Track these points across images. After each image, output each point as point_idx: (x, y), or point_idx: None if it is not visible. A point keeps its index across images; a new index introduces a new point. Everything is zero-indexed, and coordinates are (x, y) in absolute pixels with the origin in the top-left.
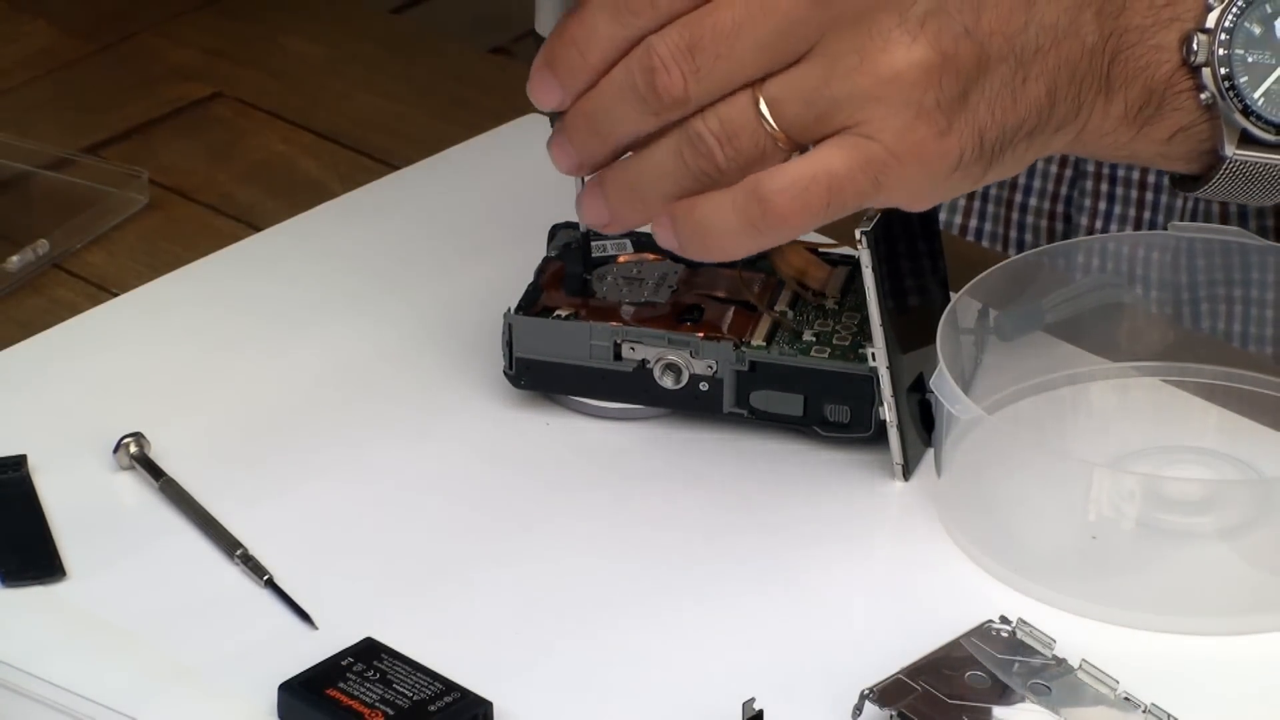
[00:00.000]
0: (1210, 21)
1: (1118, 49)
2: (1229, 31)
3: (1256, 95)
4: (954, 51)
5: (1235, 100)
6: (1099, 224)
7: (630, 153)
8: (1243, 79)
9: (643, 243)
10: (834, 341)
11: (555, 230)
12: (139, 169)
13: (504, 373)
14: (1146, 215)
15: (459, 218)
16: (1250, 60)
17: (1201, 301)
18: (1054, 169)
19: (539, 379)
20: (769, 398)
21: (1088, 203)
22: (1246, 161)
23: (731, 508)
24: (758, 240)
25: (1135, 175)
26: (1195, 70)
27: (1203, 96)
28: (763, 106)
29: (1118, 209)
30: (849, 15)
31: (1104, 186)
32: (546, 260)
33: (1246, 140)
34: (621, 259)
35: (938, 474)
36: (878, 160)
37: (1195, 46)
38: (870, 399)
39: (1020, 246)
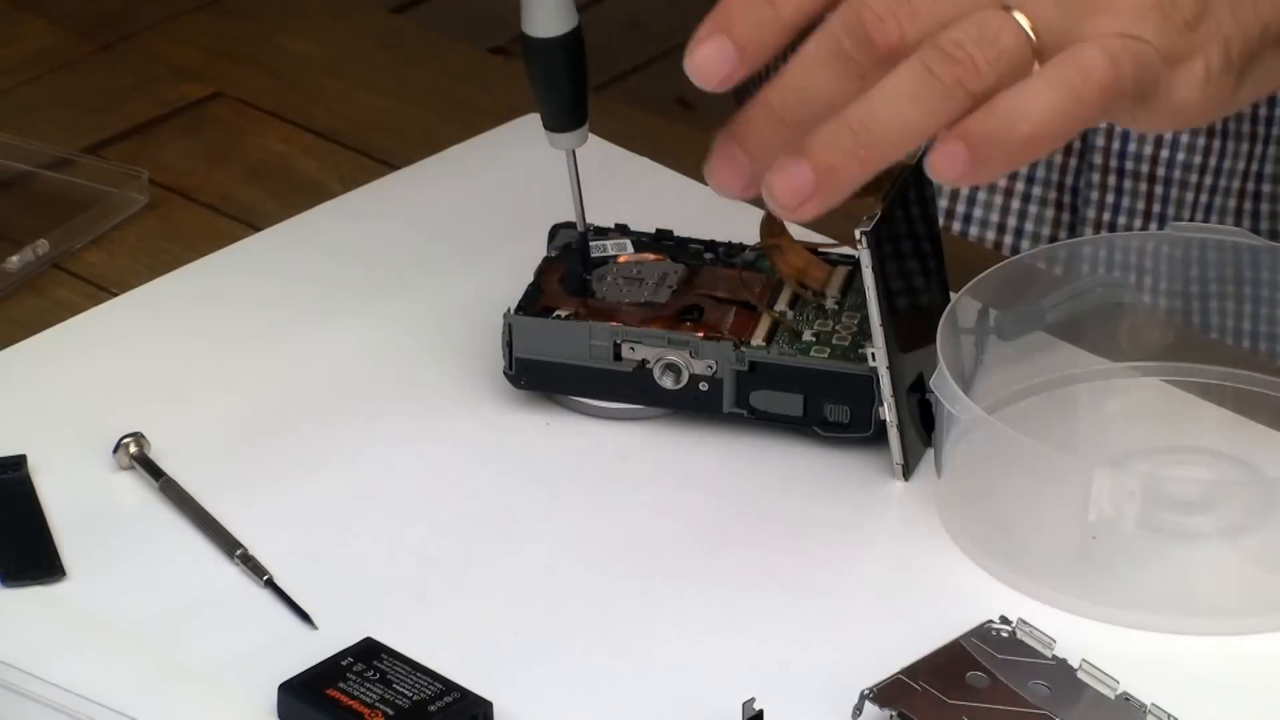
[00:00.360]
0: None
1: None
2: None
3: None
4: None
5: None
6: (1106, 215)
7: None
8: None
9: (643, 243)
10: (834, 341)
11: (555, 230)
12: (139, 169)
13: (504, 373)
14: (1156, 208)
15: (459, 218)
16: None
17: (1202, 300)
18: (1059, 158)
19: (539, 379)
20: (769, 398)
21: (1094, 194)
22: None
23: (732, 507)
24: (1076, 116)
25: (1144, 168)
26: None
27: None
28: (1017, 14)
29: (1125, 201)
30: None
31: (1111, 179)
32: (547, 260)
33: None
34: (621, 259)
35: (938, 474)
36: (1150, 53)
37: None
38: (870, 399)
39: (1024, 236)
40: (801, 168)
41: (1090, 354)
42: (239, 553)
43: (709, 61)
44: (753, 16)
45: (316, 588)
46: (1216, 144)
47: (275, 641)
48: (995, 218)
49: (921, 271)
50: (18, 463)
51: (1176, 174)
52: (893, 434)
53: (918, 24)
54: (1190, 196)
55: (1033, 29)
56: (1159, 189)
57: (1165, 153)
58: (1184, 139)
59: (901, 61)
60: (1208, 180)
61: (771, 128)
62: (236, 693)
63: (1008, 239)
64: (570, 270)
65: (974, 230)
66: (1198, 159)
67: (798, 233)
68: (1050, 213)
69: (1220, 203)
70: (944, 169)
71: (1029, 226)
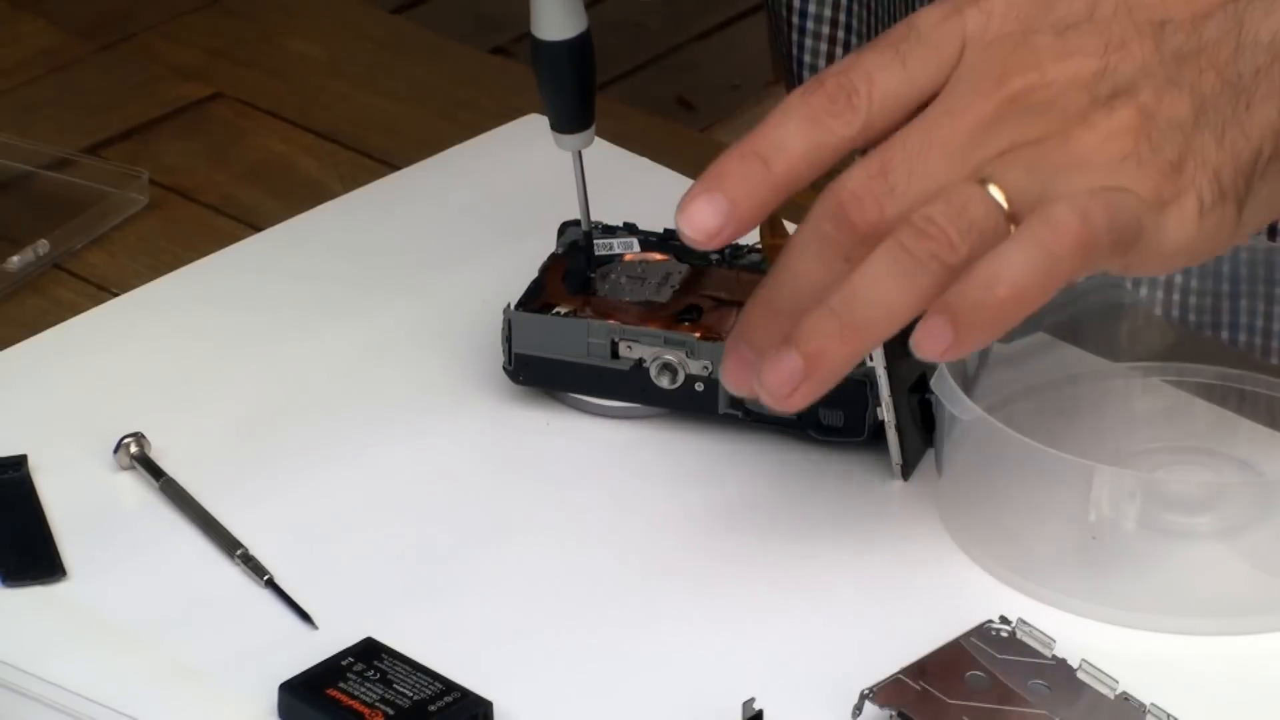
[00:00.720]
0: None
1: None
2: None
3: None
4: (1158, 107)
5: None
6: None
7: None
8: None
9: (650, 242)
10: None
11: (564, 227)
12: (139, 169)
13: (503, 368)
14: None
15: (459, 218)
16: None
17: (1202, 300)
18: None
19: (537, 375)
20: None
21: None
22: None
23: (732, 507)
24: (1056, 274)
25: None
26: None
27: None
28: (989, 186)
29: None
30: (1039, 105)
31: None
32: (553, 257)
33: None
34: (627, 257)
35: (938, 474)
36: (1132, 200)
37: None
38: (864, 404)
39: None
40: (791, 357)
41: (1090, 354)
42: (239, 553)
43: (702, 217)
44: (746, 174)
45: (316, 588)
46: None
47: (275, 641)
48: None
49: None
50: (18, 463)
51: None
52: (891, 434)
53: (896, 201)
54: None
55: (1005, 196)
56: None
57: None
58: None
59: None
60: None
61: (771, 322)
62: (236, 693)
63: None
64: (574, 268)
65: None
66: None
67: None
68: None
69: None
70: (929, 345)
71: None
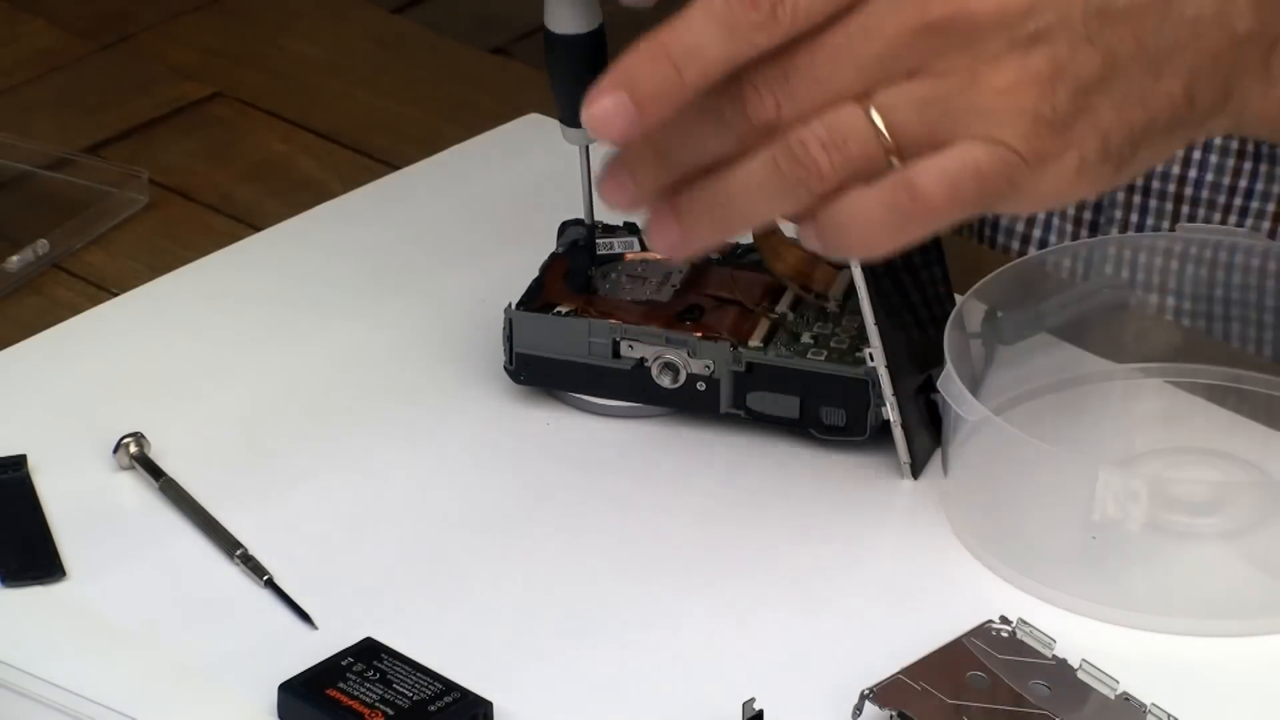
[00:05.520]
0: None
1: None
2: None
3: None
4: (1070, 61)
5: None
6: (1130, 233)
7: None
8: None
9: None
10: (832, 344)
11: (565, 226)
12: (139, 169)
13: (504, 368)
14: (1159, 232)
15: (459, 218)
16: None
17: (1208, 301)
18: None
19: (539, 374)
20: (765, 399)
21: (1118, 212)
22: None
23: (733, 507)
24: (903, 232)
25: (1171, 187)
26: None
27: None
28: (873, 113)
29: (1150, 220)
30: (956, 39)
31: (1136, 197)
32: (553, 256)
33: None
34: (628, 257)
35: (944, 473)
36: (1011, 161)
37: None
38: (866, 403)
39: (1045, 249)
40: (670, 226)
41: (1096, 356)
42: (239, 553)
43: (607, 118)
44: (657, 78)
45: (316, 588)
46: (1247, 165)
47: (275, 641)
48: (1020, 228)
49: (922, 271)
50: (18, 463)
51: (1204, 194)
52: (897, 433)
53: (793, 106)
54: (1217, 217)
55: (890, 132)
56: (1185, 208)
57: (1193, 172)
58: (1213, 159)
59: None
60: (1237, 201)
61: (654, 161)
62: (236, 693)
63: (1032, 250)
64: (575, 266)
65: (1000, 239)
66: (1226, 180)
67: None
68: (1070, 228)
69: (1250, 225)
70: (807, 240)
71: (1052, 239)
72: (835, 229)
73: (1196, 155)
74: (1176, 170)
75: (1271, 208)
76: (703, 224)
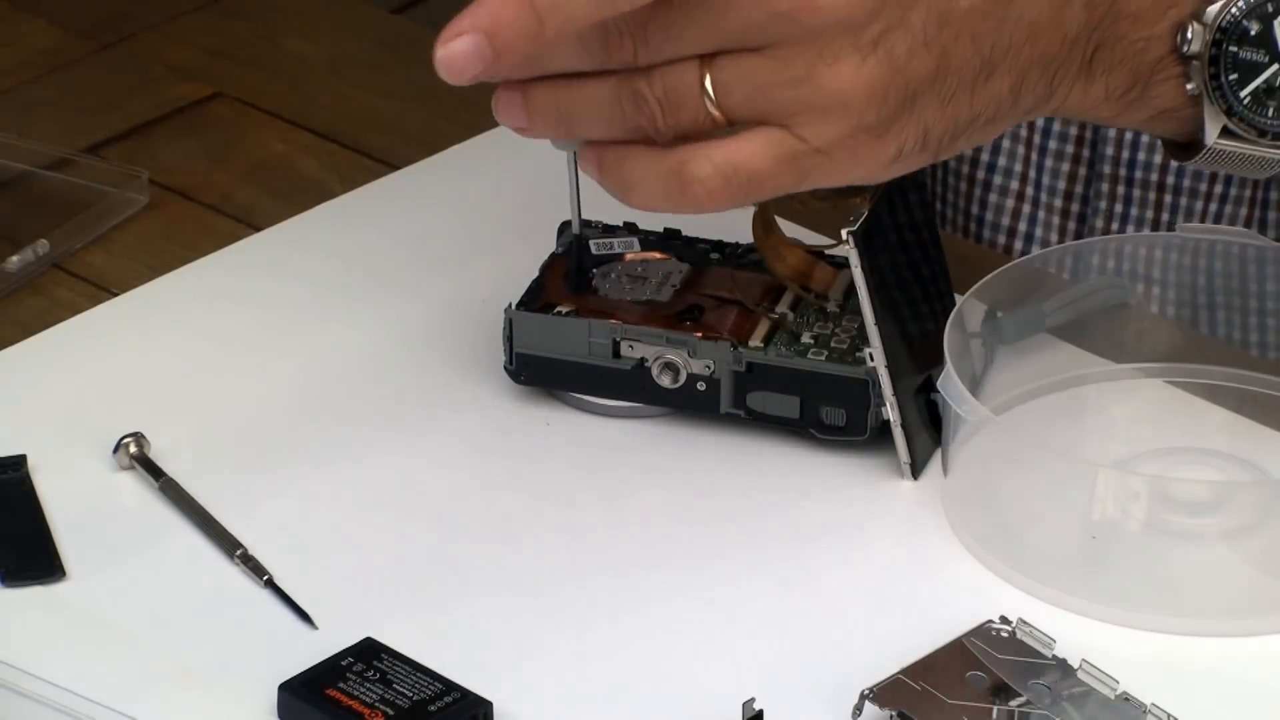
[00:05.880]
0: (1210, 14)
1: (1105, 38)
2: (1224, 30)
3: (1243, 95)
4: (905, 65)
5: (1220, 99)
6: (1115, 226)
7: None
8: (1231, 77)
9: (650, 241)
10: (832, 344)
11: (564, 226)
12: (139, 169)
13: (504, 368)
14: (1165, 217)
15: (459, 218)
16: (1242, 58)
17: (1209, 302)
18: (1068, 167)
19: (539, 374)
20: (765, 399)
21: (1103, 204)
22: (1228, 150)
23: (733, 507)
24: (679, 208)
25: (1154, 177)
26: (1184, 60)
27: (1189, 87)
28: (708, 85)
29: (1134, 210)
30: (803, 30)
31: (1120, 189)
32: (553, 256)
33: (1228, 133)
34: (627, 257)
35: (944, 473)
36: (804, 158)
37: (1189, 35)
38: (866, 403)
39: (1034, 242)
40: (518, 110)
41: (1096, 356)
42: (239, 553)
43: (463, 60)
44: (518, 27)
45: (316, 588)
46: None
47: (275, 641)
48: (1006, 221)
49: (922, 271)
50: (18, 463)
51: (1186, 183)
52: (897, 433)
53: (648, 54)
54: (1200, 206)
55: (719, 106)
56: (1168, 198)
57: (1175, 163)
58: None
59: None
60: (1218, 189)
61: (519, 61)
62: (236, 693)
63: (1018, 244)
64: (573, 266)
65: (986, 234)
66: (1207, 170)
67: (801, 236)
68: (1057, 220)
69: (1231, 212)
70: (585, 170)
71: (1038, 232)
72: (619, 184)
73: None
74: (1159, 160)
75: (1248, 194)
76: (546, 122)
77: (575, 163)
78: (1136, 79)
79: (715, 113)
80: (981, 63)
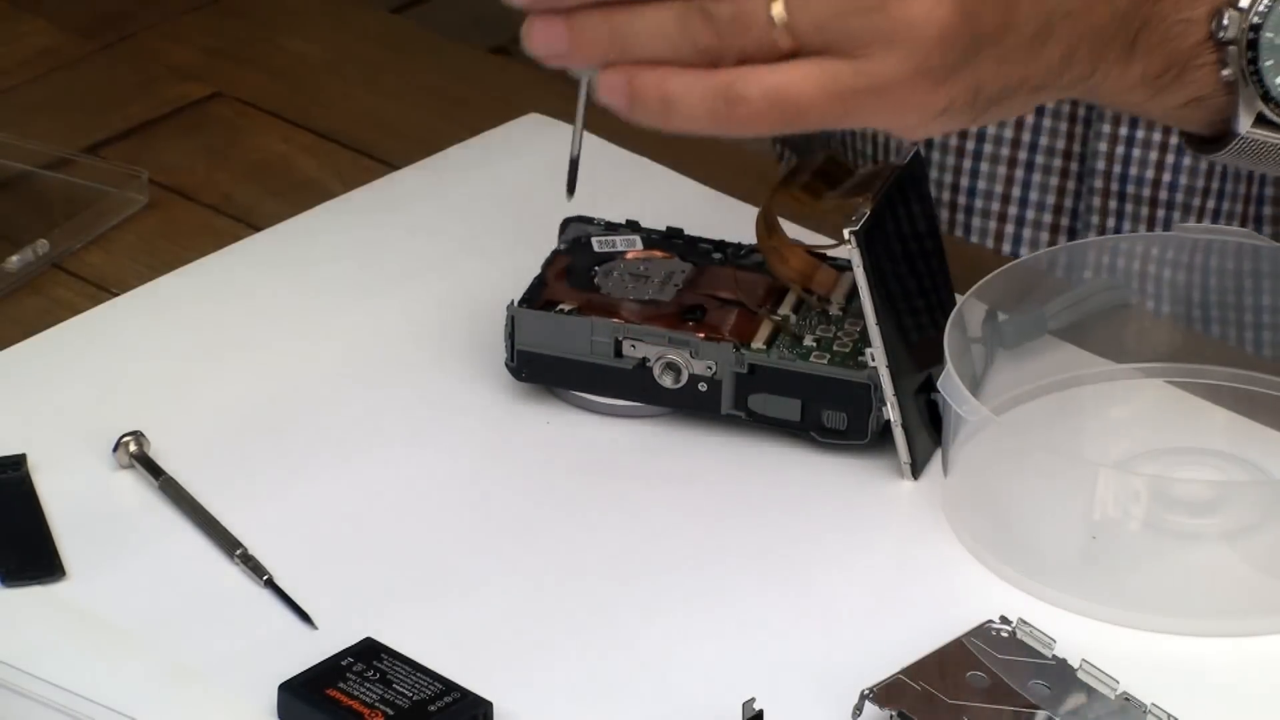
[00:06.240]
0: (1245, 1)
1: (1150, 16)
2: (1263, 15)
3: (1279, 80)
4: (977, 13)
5: (1256, 83)
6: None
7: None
8: (1268, 63)
9: (653, 240)
10: (834, 347)
11: (566, 224)
12: (139, 169)
13: (505, 365)
14: (1157, 231)
15: (459, 218)
16: (1278, 44)
17: (1207, 302)
18: (1057, 180)
19: (540, 372)
20: (767, 401)
21: (1095, 217)
22: (1259, 140)
23: (733, 507)
24: (713, 132)
25: (1146, 192)
26: (1221, 46)
27: (1224, 73)
28: (778, 11)
29: (1126, 225)
30: None
31: (1112, 202)
32: (555, 254)
33: (1262, 121)
34: (629, 255)
35: (944, 473)
36: (856, 95)
37: (1226, 22)
38: (868, 406)
39: (1022, 243)
40: (559, 32)
41: (1096, 356)
42: (239, 553)
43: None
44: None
45: (316, 588)
46: (1219, 167)
47: (275, 641)
48: (993, 225)
49: (923, 272)
50: (18, 462)
51: (1179, 197)
52: (898, 433)
53: None
54: (1192, 220)
55: (789, 28)
56: (1160, 212)
57: (1167, 176)
58: (1185, 162)
59: None
60: (1210, 204)
61: None
62: (236, 693)
63: (1005, 247)
64: (576, 264)
65: (973, 238)
66: (1200, 182)
67: (803, 237)
68: (1045, 236)
69: (1223, 225)
70: (609, 94)
71: (1025, 233)
72: (659, 103)
73: (1170, 160)
74: (1150, 174)
75: (1240, 208)
76: (595, 46)
77: (587, 89)
78: (1172, 63)
79: (783, 37)
80: (1041, 25)
